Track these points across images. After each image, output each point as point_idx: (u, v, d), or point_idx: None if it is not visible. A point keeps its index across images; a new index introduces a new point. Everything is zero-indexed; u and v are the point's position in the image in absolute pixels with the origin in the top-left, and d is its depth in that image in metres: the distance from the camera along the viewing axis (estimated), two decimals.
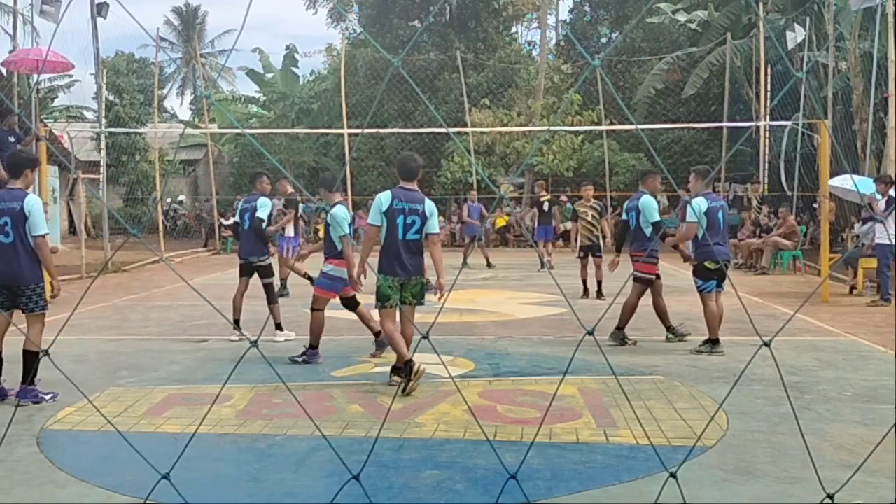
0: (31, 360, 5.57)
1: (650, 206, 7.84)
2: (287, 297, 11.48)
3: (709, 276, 7.30)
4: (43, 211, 5.67)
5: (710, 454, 4.45)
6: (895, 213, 10.08)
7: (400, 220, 5.89)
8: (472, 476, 4.17)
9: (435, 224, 6.06)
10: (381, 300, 5.97)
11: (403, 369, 5.84)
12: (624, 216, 8.18)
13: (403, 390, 5.69)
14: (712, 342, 7.32)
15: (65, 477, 4.20)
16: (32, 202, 5.58)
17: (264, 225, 8.21)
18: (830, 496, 2.01)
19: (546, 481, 4.06)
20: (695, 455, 4.30)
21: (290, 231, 12.28)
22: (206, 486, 4.09)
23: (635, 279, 7.77)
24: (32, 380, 5.56)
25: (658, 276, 7.91)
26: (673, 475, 2.13)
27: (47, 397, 5.61)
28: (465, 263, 14.80)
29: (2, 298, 5.66)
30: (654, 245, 7.88)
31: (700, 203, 7.28)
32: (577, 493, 3.93)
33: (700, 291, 7.40)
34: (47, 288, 5.88)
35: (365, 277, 6.27)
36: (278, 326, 8.22)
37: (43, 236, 5.61)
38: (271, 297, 8.22)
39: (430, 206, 6.04)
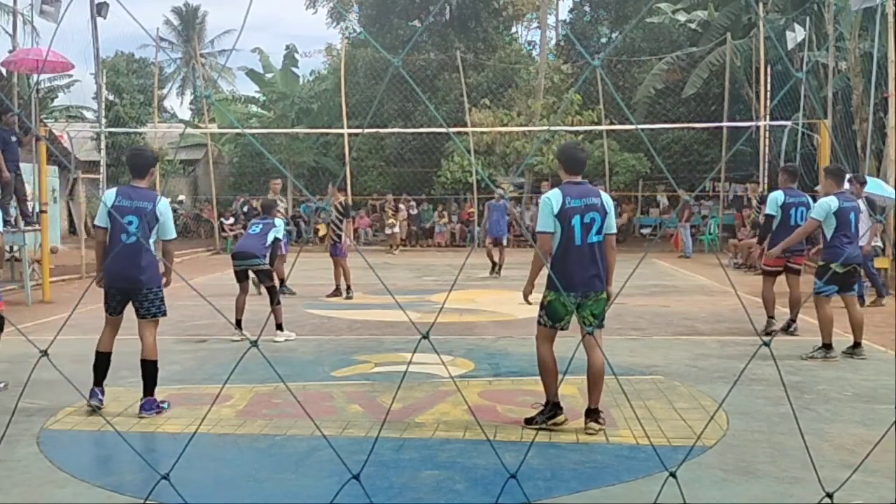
0: (150, 369, 5.41)
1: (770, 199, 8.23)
2: (293, 296, 11.58)
3: (831, 279, 7.01)
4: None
5: (710, 454, 4.45)
6: (867, 214, 10.06)
7: (576, 220, 4.77)
8: (472, 476, 4.17)
9: (613, 221, 5.00)
10: (551, 318, 4.94)
11: (547, 409, 4.96)
12: (775, 211, 8.10)
13: (529, 421, 4.96)
14: (826, 347, 7.06)
15: (65, 477, 4.20)
16: (164, 205, 5.46)
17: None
18: (830, 496, 2.01)
19: (546, 481, 4.06)
20: (695, 455, 4.30)
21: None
22: (206, 486, 4.09)
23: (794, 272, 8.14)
24: (153, 390, 5.42)
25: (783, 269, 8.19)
26: (673, 475, 2.13)
27: (164, 406, 5.47)
28: (495, 268, 14.57)
29: (115, 302, 5.47)
30: (778, 239, 7.93)
31: (831, 202, 7.15)
32: (577, 493, 3.93)
33: (816, 294, 7.07)
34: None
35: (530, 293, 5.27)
36: (279, 327, 8.25)
37: (172, 241, 5.59)
38: (275, 298, 8.27)
39: (607, 199, 4.93)
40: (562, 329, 4.96)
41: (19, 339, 5.74)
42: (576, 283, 4.79)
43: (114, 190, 5.59)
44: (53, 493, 4.00)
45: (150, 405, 5.36)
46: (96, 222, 5.57)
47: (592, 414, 4.90)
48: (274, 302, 8.23)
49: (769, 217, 8.13)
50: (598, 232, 4.83)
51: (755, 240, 16.70)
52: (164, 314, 5.55)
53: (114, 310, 5.48)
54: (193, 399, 5.79)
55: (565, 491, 3.95)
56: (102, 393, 5.53)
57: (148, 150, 6.50)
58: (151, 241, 5.42)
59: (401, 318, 8.93)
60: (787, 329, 8.19)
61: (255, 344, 2.04)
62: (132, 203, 5.38)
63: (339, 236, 11.62)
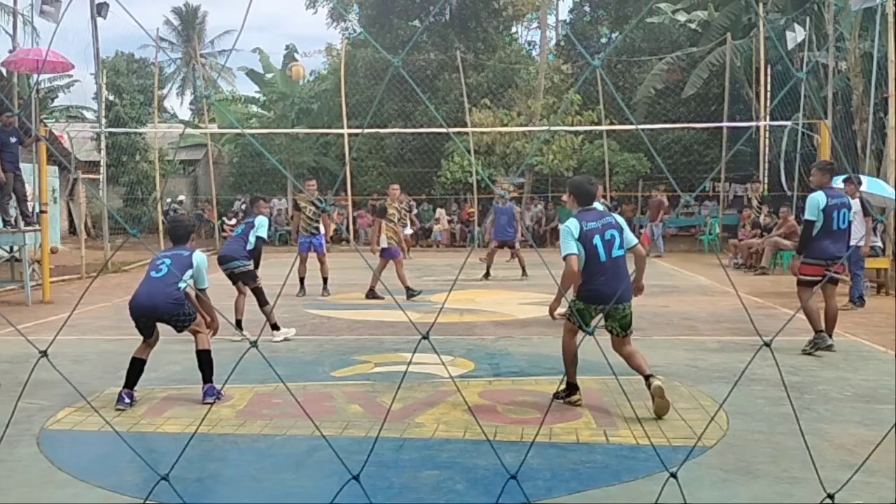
0: (204, 359, 5.78)
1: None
2: (303, 296, 11.65)
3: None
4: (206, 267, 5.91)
5: (710, 454, 4.45)
6: (862, 216, 10.03)
7: (597, 239, 5.27)
8: (472, 476, 4.17)
9: (631, 235, 5.49)
10: (580, 322, 5.36)
11: (569, 388, 5.53)
12: (816, 216, 7.24)
13: (556, 395, 5.48)
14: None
15: (65, 477, 4.20)
16: (200, 257, 5.83)
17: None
18: (831, 496, 2.01)
19: (546, 481, 4.06)
20: (695, 455, 4.30)
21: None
22: (206, 486, 4.09)
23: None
24: (210, 377, 5.77)
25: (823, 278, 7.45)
26: (673, 475, 2.13)
27: (222, 394, 5.80)
28: (524, 273, 14.45)
29: (144, 328, 5.77)
30: (817, 244, 7.26)
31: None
32: (577, 493, 3.93)
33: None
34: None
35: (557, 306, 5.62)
36: (274, 326, 8.23)
37: (205, 290, 5.90)
38: (261, 299, 8.26)
39: (618, 217, 5.55)
40: (588, 334, 5.05)
41: (19, 339, 5.74)
42: (605, 297, 5.26)
43: None
44: (53, 493, 4.00)
45: (211, 392, 5.69)
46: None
47: (650, 377, 5.31)
48: (262, 304, 8.21)
49: (809, 222, 7.22)
50: (620, 247, 5.33)
51: (755, 240, 16.79)
52: (195, 318, 5.83)
53: (147, 334, 5.78)
54: (193, 399, 5.79)
55: (565, 491, 3.95)
56: (130, 396, 5.62)
57: (187, 220, 6.95)
58: (183, 283, 5.69)
59: (401, 318, 8.94)
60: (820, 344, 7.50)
61: (254, 344, 2.04)
62: (175, 252, 5.89)
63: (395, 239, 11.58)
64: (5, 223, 11.92)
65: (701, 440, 4.55)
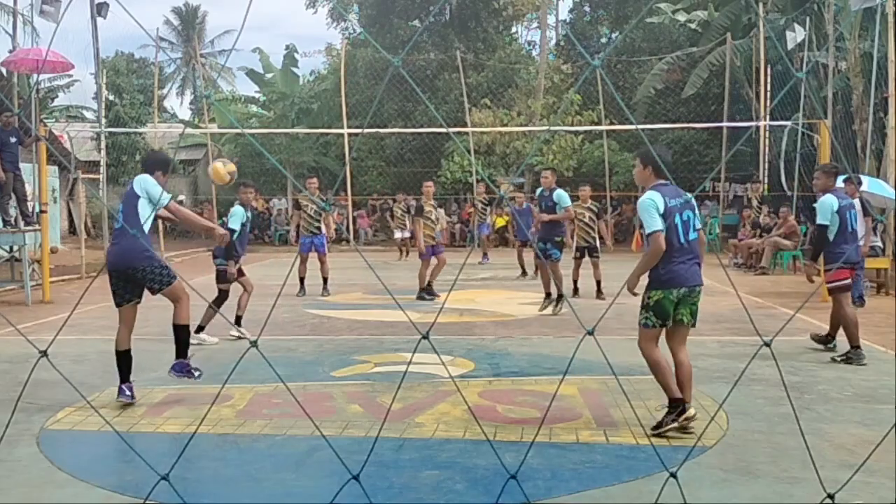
0: (181, 334, 5.64)
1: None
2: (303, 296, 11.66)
3: None
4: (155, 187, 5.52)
5: (710, 454, 4.45)
6: (862, 216, 10.02)
7: (677, 219, 4.82)
8: (472, 476, 4.17)
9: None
10: (659, 317, 4.82)
11: (672, 407, 4.79)
12: (829, 220, 7.01)
13: (658, 427, 4.76)
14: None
15: (65, 477, 4.20)
16: (141, 178, 5.52)
17: (234, 235, 8.00)
18: (831, 496, 2.01)
19: (546, 481, 4.06)
20: (695, 455, 4.30)
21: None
22: (206, 486, 4.09)
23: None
24: (185, 353, 5.66)
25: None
26: (673, 475, 2.13)
27: (196, 374, 5.69)
28: (525, 273, 14.51)
29: (117, 289, 5.56)
30: (837, 248, 7.04)
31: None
32: (576, 493, 3.93)
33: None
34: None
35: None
36: (199, 328, 7.91)
37: (168, 204, 5.62)
38: (216, 300, 8.05)
39: (690, 196, 4.91)
40: (665, 327, 4.89)
41: (19, 339, 5.74)
42: (683, 279, 4.80)
43: None
44: (53, 493, 4.00)
45: (180, 367, 5.56)
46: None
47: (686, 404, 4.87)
48: (212, 304, 7.77)
49: (823, 227, 6.99)
50: (695, 229, 4.91)
51: (755, 240, 16.78)
52: (175, 278, 5.52)
53: (119, 299, 5.55)
54: (193, 399, 5.79)
55: (565, 491, 3.95)
56: (130, 389, 5.59)
57: (161, 154, 6.35)
58: (144, 220, 5.40)
59: (401, 318, 8.93)
60: (831, 346, 7.35)
61: (254, 344, 2.04)
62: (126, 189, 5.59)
63: (432, 236, 11.54)
64: (5, 223, 11.92)
65: (701, 440, 4.55)
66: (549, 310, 9.91)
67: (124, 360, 5.62)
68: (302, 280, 12.02)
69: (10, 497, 3.93)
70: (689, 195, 4.84)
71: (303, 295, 11.75)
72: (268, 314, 8.49)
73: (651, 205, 4.78)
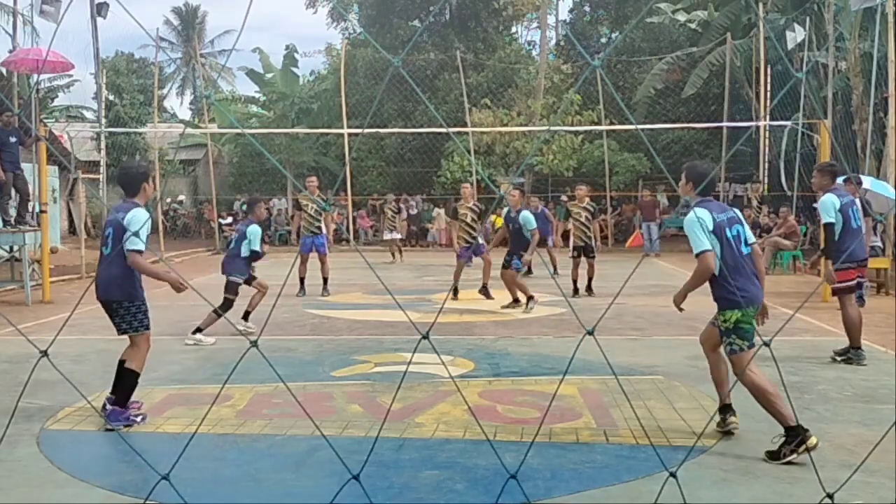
0: (126, 378, 5.10)
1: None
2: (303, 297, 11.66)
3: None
4: (143, 225, 5.16)
5: (710, 454, 4.45)
6: (862, 215, 10.00)
7: (729, 233, 4.68)
8: (472, 476, 4.17)
9: (750, 232, 4.95)
10: (745, 338, 4.58)
11: (790, 436, 4.35)
12: (834, 217, 6.94)
13: (775, 455, 4.34)
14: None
15: (65, 477, 4.20)
16: (133, 214, 5.08)
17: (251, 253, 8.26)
18: (830, 496, 2.01)
19: (546, 481, 4.06)
20: (695, 455, 4.30)
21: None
22: (206, 486, 4.09)
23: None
24: (125, 400, 5.11)
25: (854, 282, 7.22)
26: (673, 475, 2.13)
27: (138, 419, 5.13)
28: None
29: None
30: (842, 245, 6.96)
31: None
32: (576, 493, 3.93)
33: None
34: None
35: None
36: (198, 329, 7.96)
37: (133, 252, 4.99)
38: (221, 307, 8.08)
39: (737, 212, 4.93)
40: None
41: (19, 339, 5.74)
42: (756, 296, 4.64)
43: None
44: (53, 493, 4.00)
45: (114, 416, 4.96)
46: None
47: (729, 409, 4.90)
48: (217, 309, 7.56)
49: (830, 225, 6.91)
50: (747, 244, 4.76)
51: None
52: (147, 328, 5.16)
53: (118, 329, 5.19)
54: (193, 399, 5.79)
55: (565, 491, 3.95)
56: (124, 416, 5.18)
57: (135, 165, 5.51)
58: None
59: (401, 318, 8.93)
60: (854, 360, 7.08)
61: (254, 344, 2.04)
62: (114, 216, 5.21)
63: (474, 238, 11.53)
64: (5, 223, 11.92)
65: (701, 440, 4.55)
66: (520, 309, 10.16)
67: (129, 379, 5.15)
68: (302, 280, 12.02)
69: (10, 497, 3.93)
70: (735, 210, 4.86)
71: (303, 295, 11.75)
72: (268, 314, 8.49)
73: (698, 223, 4.54)
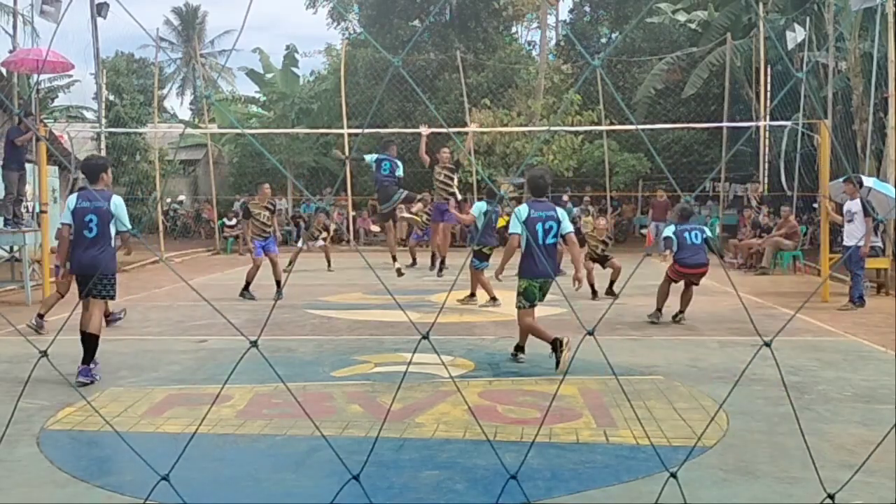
0: (91, 342, 6.27)
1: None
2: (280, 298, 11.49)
3: None
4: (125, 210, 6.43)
5: (710, 454, 4.45)
6: (862, 216, 10.05)
7: (539, 227, 6.53)
8: (472, 476, 4.17)
9: (568, 225, 6.72)
10: (529, 300, 6.63)
11: (553, 346, 6.43)
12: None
13: (558, 362, 6.32)
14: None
15: (65, 477, 4.20)
16: (118, 201, 6.36)
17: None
18: (831, 496, 2.01)
19: (546, 481, 4.06)
20: (695, 455, 4.30)
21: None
22: (206, 486, 4.09)
23: None
24: (89, 360, 6.23)
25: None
26: (673, 475, 2.13)
27: (97, 377, 6.25)
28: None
29: (84, 287, 6.40)
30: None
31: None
32: (577, 493, 3.93)
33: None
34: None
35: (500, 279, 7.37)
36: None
37: (127, 231, 6.56)
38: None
39: (561, 211, 6.70)
40: (532, 307, 6.82)
41: (19, 339, 5.74)
42: (539, 271, 6.63)
43: (75, 194, 6.56)
44: (53, 493, 4.00)
45: (85, 372, 6.16)
46: (62, 221, 6.55)
47: (519, 349, 7.08)
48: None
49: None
50: (554, 236, 6.57)
51: (755, 240, 16.77)
52: (113, 298, 6.67)
53: (86, 294, 6.38)
54: (193, 399, 5.79)
55: (565, 491, 3.95)
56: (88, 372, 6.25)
57: (98, 157, 7.36)
58: (113, 233, 6.34)
59: (401, 318, 8.93)
60: None
61: (254, 344, 2.04)
62: (91, 204, 6.31)
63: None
64: (6, 222, 11.93)
65: (701, 440, 4.55)
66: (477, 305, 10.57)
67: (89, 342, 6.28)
68: (248, 284, 11.42)
69: (10, 497, 3.93)
70: (556, 212, 6.67)
71: (250, 298, 11.27)
72: (268, 314, 8.49)
73: (515, 214, 6.74)
